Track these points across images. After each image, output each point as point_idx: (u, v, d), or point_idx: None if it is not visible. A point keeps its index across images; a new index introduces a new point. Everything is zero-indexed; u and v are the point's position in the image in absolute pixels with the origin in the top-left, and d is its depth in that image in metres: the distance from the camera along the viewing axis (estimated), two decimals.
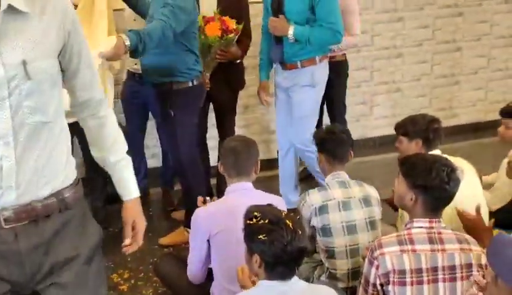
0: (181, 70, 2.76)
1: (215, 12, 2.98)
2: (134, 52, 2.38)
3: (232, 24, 2.96)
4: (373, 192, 2.26)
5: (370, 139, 4.62)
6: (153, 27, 2.46)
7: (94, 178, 3.30)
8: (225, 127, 3.37)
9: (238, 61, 3.23)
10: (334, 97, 3.65)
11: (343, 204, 2.15)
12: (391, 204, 2.46)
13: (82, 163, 3.41)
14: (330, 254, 2.15)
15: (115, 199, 3.76)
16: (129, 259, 2.96)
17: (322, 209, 2.15)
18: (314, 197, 2.17)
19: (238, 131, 3.61)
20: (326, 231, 2.14)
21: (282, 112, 3.16)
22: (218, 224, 2.03)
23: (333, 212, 2.14)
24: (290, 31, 2.82)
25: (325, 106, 3.78)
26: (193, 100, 2.87)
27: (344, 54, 3.62)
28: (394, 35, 4.49)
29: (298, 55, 2.92)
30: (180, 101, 2.79)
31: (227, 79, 3.21)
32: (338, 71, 3.60)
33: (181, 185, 3.08)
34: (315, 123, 3.09)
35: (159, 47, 2.52)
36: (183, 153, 2.88)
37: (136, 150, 3.54)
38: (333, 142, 2.24)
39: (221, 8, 3.03)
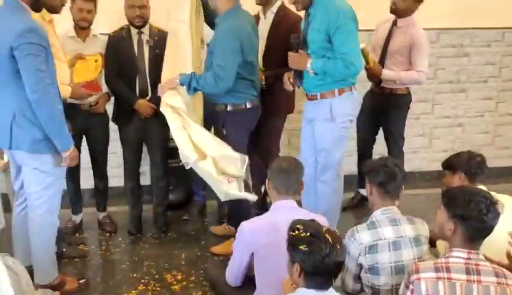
0: (234, 94, 3.00)
1: None
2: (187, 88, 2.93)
3: None
4: (423, 230, 2.23)
5: (428, 172, 4.61)
6: (204, 76, 2.91)
7: (158, 184, 3.57)
8: (272, 150, 3.48)
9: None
10: (393, 129, 3.72)
11: (393, 244, 2.12)
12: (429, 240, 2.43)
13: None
14: (375, 291, 2.17)
15: (175, 206, 4.07)
16: (183, 263, 3.18)
17: (372, 249, 2.11)
18: (364, 235, 2.13)
19: (291, 154, 3.74)
20: (374, 270, 2.12)
21: (304, 142, 3.20)
22: (262, 238, 2.18)
23: (383, 252, 2.11)
24: (308, 65, 2.88)
25: (377, 137, 3.86)
26: (245, 121, 3.11)
27: (408, 88, 3.67)
28: (459, 70, 4.50)
29: (317, 86, 2.95)
30: (233, 121, 3.06)
31: (276, 102, 3.37)
32: (399, 104, 3.67)
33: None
34: (338, 156, 3.05)
35: (214, 90, 2.93)
36: None
37: None
38: (386, 175, 2.19)
39: (274, 36, 3.25)
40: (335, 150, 3.01)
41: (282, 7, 3.38)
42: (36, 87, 2.28)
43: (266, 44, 3.30)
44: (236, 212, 3.22)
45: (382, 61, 3.59)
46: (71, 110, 3.05)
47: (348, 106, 2.97)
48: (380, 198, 2.21)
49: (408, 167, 4.14)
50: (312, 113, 3.02)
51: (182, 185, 3.94)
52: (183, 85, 2.94)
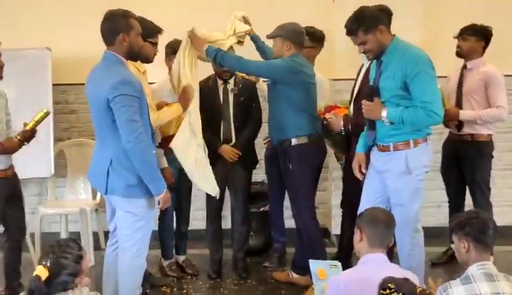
0: (299, 125, 3.15)
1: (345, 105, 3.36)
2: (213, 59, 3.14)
3: (342, 110, 3.33)
4: None
5: None
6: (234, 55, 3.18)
7: (238, 229, 3.61)
8: None
9: None
10: (476, 179, 3.51)
11: None
12: None
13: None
14: None
15: (255, 252, 4.06)
16: None
17: None
18: (458, 290, 2.01)
19: None
20: None
21: (367, 192, 2.93)
22: (356, 292, 2.08)
23: None
24: (384, 114, 2.71)
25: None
26: (310, 156, 3.19)
27: (490, 135, 3.49)
28: None
29: (391, 136, 2.77)
30: (297, 156, 3.16)
31: None
32: (481, 152, 3.49)
33: (305, 240, 3.23)
34: (415, 211, 2.81)
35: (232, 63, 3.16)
36: (303, 206, 3.14)
37: (275, 208, 3.79)
38: (479, 227, 2.09)
39: (365, 81, 3.18)
40: (412, 205, 2.79)
41: None
42: (129, 137, 2.40)
43: (358, 89, 3.27)
44: (310, 249, 3.18)
45: (458, 104, 3.48)
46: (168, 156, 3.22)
47: (424, 157, 2.78)
48: (475, 252, 2.08)
49: (503, 221, 3.86)
50: (385, 165, 2.82)
51: (262, 231, 3.94)
52: (208, 55, 3.12)
